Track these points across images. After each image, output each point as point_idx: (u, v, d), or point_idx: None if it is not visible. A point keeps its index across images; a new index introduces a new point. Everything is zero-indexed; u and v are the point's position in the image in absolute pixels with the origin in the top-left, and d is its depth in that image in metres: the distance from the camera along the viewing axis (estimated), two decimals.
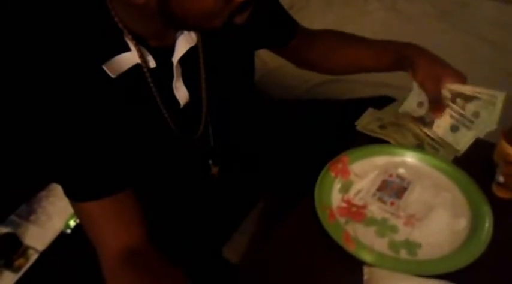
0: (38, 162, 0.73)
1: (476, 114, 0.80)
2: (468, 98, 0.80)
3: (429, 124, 0.83)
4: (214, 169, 0.80)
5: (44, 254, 0.94)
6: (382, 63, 0.88)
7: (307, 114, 1.12)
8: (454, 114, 0.81)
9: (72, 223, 0.97)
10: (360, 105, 1.00)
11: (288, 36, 0.90)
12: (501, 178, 0.71)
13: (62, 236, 0.97)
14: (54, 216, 0.99)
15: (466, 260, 0.62)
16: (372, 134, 0.84)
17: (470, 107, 0.80)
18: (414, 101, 0.86)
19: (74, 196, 0.64)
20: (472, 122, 0.80)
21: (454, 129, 0.82)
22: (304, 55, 0.96)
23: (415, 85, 0.84)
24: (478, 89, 0.79)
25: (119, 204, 0.64)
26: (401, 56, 0.83)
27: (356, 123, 0.88)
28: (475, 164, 0.79)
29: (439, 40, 1.06)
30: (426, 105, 0.83)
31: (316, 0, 1.76)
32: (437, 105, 0.78)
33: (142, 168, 0.69)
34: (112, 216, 0.64)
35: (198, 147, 0.74)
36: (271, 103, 1.28)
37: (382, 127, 0.86)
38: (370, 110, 0.96)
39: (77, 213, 0.67)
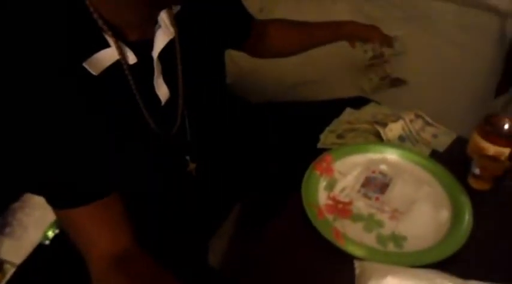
0: (12, 172, 0.71)
1: (435, 135, 0.90)
2: (429, 123, 0.93)
3: (383, 125, 0.88)
4: (192, 166, 0.80)
5: (22, 268, 0.91)
6: (330, 37, 1.04)
7: (284, 115, 1.14)
8: (405, 128, 0.89)
9: (50, 234, 0.94)
10: (337, 106, 1.03)
11: (248, 31, 0.93)
12: (477, 171, 0.75)
13: (40, 248, 0.93)
14: (31, 228, 0.96)
15: (451, 249, 0.65)
16: (335, 146, 0.87)
17: (430, 130, 0.91)
18: (360, 52, 1.06)
19: (58, 203, 0.62)
20: (416, 141, 0.88)
21: (401, 139, 0.88)
22: (261, 44, 1.00)
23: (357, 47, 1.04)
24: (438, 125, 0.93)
25: (105, 209, 0.63)
26: (341, 29, 1.03)
27: (318, 145, 0.91)
28: (450, 158, 0.83)
29: (407, 43, 1.11)
30: (370, 51, 1.04)
31: (285, 3, 1.79)
32: (386, 40, 1.01)
33: (122, 167, 0.68)
34: (99, 222, 0.63)
35: (175, 142, 0.74)
36: (248, 106, 1.29)
37: (340, 136, 0.90)
38: (347, 110, 0.99)
39: (62, 221, 0.65)
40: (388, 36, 1.02)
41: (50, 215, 0.94)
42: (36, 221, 0.96)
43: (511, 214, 0.74)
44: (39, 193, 0.64)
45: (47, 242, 0.94)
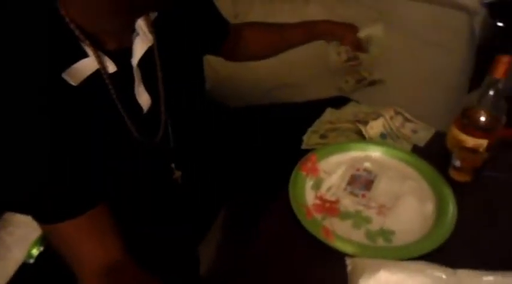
0: None
1: (414, 131, 0.93)
2: (409, 120, 0.95)
3: (364, 123, 0.90)
4: (177, 174, 0.80)
5: None
6: (306, 37, 1.06)
7: (266, 118, 1.14)
8: (386, 125, 0.90)
9: (35, 252, 0.91)
10: (318, 106, 1.04)
11: (225, 35, 0.94)
12: (458, 163, 0.77)
13: (24, 267, 0.91)
14: (14, 247, 0.93)
15: (438, 241, 0.66)
16: (318, 146, 0.88)
17: (410, 126, 0.94)
18: (333, 54, 1.11)
19: (45, 218, 0.61)
20: (397, 138, 0.90)
21: (382, 136, 0.90)
22: (238, 48, 1.01)
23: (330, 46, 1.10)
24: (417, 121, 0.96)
25: (93, 221, 0.62)
26: (315, 29, 1.06)
27: (301, 146, 0.92)
28: (431, 153, 0.85)
29: (383, 44, 1.13)
30: (343, 53, 1.10)
31: (259, 8, 1.80)
32: (358, 44, 1.05)
33: (107, 178, 0.67)
34: (88, 234, 0.62)
35: (159, 151, 0.73)
36: (228, 111, 1.29)
37: (323, 136, 0.91)
38: (328, 110, 1.01)
39: (50, 236, 0.64)
40: (360, 39, 1.05)
41: (33, 233, 0.92)
42: (20, 239, 0.94)
43: (492, 203, 0.76)
44: (23, 211, 0.63)
45: (32, 260, 0.91)
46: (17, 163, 0.56)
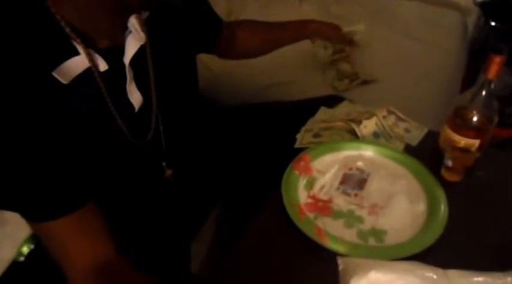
0: None
1: (407, 130, 0.93)
2: (401, 119, 0.95)
3: (357, 122, 0.90)
4: (168, 172, 0.80)
5: None
6: (295, 37, 1.07)
7: (260, 117, 1.14)
8: (379, 124, 0.90)
9: (25, 250, 0.90)
10: (311, 105, 1.04)
11: (218, 34, 0.93)
12: (450, 163, 0.77)
13: (14, 266, 0.90)
14: (3, 245, 0.92)
15: (429, 240, 0.66)
16: (312, 145, 0.88)
17: (403, 125, 0.94)
18: (321, 50, 1.18)
19: (34, 217, 0.60)
20: (390, 137, 0.90)
21: (375, 135, 0.90)
22: (231, 46, 1.00)
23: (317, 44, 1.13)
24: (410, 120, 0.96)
25: (82, 220, 0.62)
26: (305, 29, 1.06)
27: (295, 145, 0.92)
28: (423, 152, 0.86)
29: (371, 39, 1.13)
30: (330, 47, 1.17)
31: (253, 5, 1.80)
32: (346, 41, 1.09)
33: (97, 177, 0.67)
34: (77, 233, 0.62)
35: (150, 149, 0.73)
36: (222, 109, 1.29)
37: (316, 135, 0.91)
38: (322, 109, 1.01)
39: (39, 234, 0.64)
40: (345, 36, 1.08)
41: (23, 230, 0.91)
42: (9, 237, 0.93)
43: (483, 203, 0.77)
44: (11, 209, 0.62)
45: (22, 259, 0.91)
46: (6, 161, 0.55)
